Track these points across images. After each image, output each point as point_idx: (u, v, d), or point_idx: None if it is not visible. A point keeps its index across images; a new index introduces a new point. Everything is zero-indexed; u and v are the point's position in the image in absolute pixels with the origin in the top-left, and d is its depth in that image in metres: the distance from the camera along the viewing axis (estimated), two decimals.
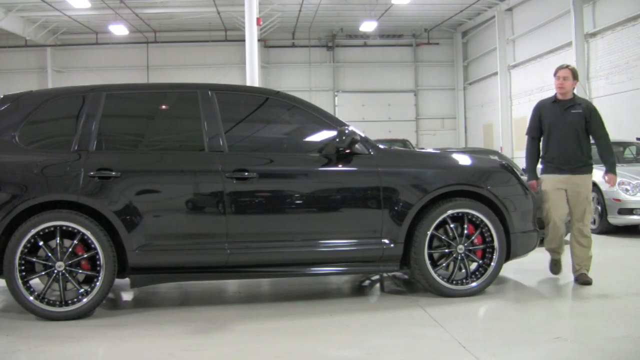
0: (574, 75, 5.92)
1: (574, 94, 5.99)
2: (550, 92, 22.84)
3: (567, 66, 5.98)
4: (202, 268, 5.08)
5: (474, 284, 5.35)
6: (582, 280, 5.73)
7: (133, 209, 4.88)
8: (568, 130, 5.79)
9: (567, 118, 5.81)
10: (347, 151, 5.19)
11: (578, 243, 5.78)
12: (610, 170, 5.90)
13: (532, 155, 6.06)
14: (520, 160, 18.28)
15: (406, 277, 6.16)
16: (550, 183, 5.81)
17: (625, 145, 11.64)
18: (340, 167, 5.21)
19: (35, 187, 4.82)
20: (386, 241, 5.18)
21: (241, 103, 5.62)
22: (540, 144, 6.01)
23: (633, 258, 7.59)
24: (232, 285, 6.24)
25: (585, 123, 5.81)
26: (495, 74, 23.21)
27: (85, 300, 4.82)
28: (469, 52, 27.17)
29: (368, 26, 23.73)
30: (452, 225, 5.31)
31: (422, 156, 6.12)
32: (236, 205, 5.03)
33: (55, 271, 4.80)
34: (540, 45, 20.05)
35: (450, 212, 5.28)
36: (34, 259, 4.83)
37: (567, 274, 5.92)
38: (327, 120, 5.40)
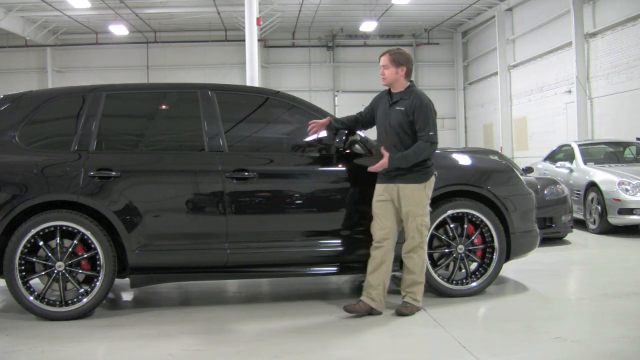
0: (396, 62, 4.86)
1: (409, 86, 4.94)
2: (550, 92, 22.63)
3: (388, 52, 4.95)
4: (202, 268, 5.08)
5: (474, 284, 5.35)
6: (399, 311, 4.84)
7: (133, 209, 4.88)
8: (390, 131, 4.90)
9: (391, 116, 4.90)
10: (347, 151, 5.20)
11: (404, 264, 4.96)
12: (391, 159, 4.82)
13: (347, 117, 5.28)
14: (520, 160, 18.29)
15: None
16: (375, 193, 4.99)
17: (625, 145, 11.63)
18: (340, 167, 5.21)
19: (35, 187, 4.83)
20: None
21: (241, 103, 5.63)
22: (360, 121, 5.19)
23: (633, 258, 7.59)
24: (232, 285, 6.24)
25: (409, 123, 4.84)
26: (495, 74, 23.17)
27: (85, 300, 4.83)
28: (469, 52, 27.13)
29: (368, 26, 23.68)
30: (452, 225, 5.32)
31: None
32: (236, 205, 5.03)
33: (55, 271, 4.81)
34: (540, 45, 20.01)
35: (450, 212, 5.28)
36: (34, 259, 4.83)
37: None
38: None
